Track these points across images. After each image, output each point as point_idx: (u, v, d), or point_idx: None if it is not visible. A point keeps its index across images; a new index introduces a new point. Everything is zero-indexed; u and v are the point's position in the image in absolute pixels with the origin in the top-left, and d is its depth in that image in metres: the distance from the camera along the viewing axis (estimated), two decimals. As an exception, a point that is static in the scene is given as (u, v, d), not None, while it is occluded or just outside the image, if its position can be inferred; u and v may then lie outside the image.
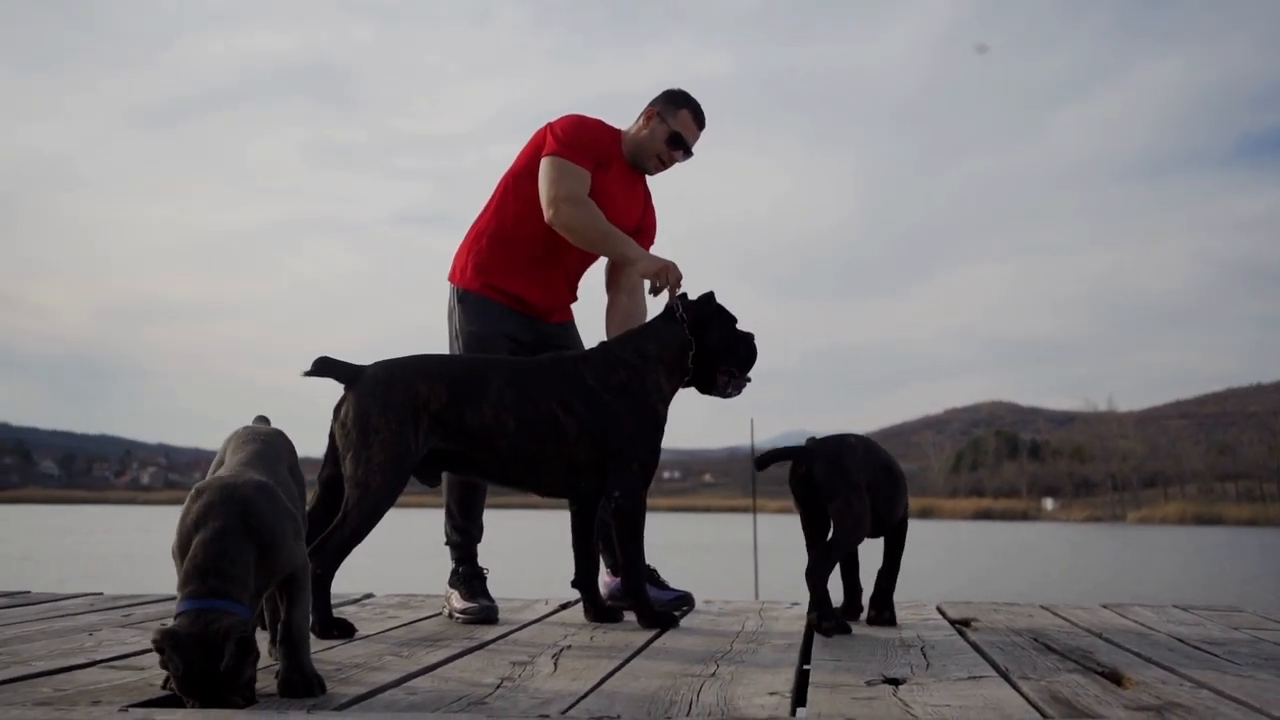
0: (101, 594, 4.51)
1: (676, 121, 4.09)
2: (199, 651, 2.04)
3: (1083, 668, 2.72)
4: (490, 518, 4.04)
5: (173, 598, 4.32)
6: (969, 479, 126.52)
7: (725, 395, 3.82)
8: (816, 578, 3.43)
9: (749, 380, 3.84)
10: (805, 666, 2.78)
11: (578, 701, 2.23)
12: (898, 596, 3.77)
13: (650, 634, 3.34)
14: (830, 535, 3.52)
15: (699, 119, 4.14)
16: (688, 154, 4.15)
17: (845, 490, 3.50)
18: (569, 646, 3.07)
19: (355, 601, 4.26)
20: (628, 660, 2.80)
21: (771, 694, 2.33)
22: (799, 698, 2.34)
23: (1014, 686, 2.44)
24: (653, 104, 4.12)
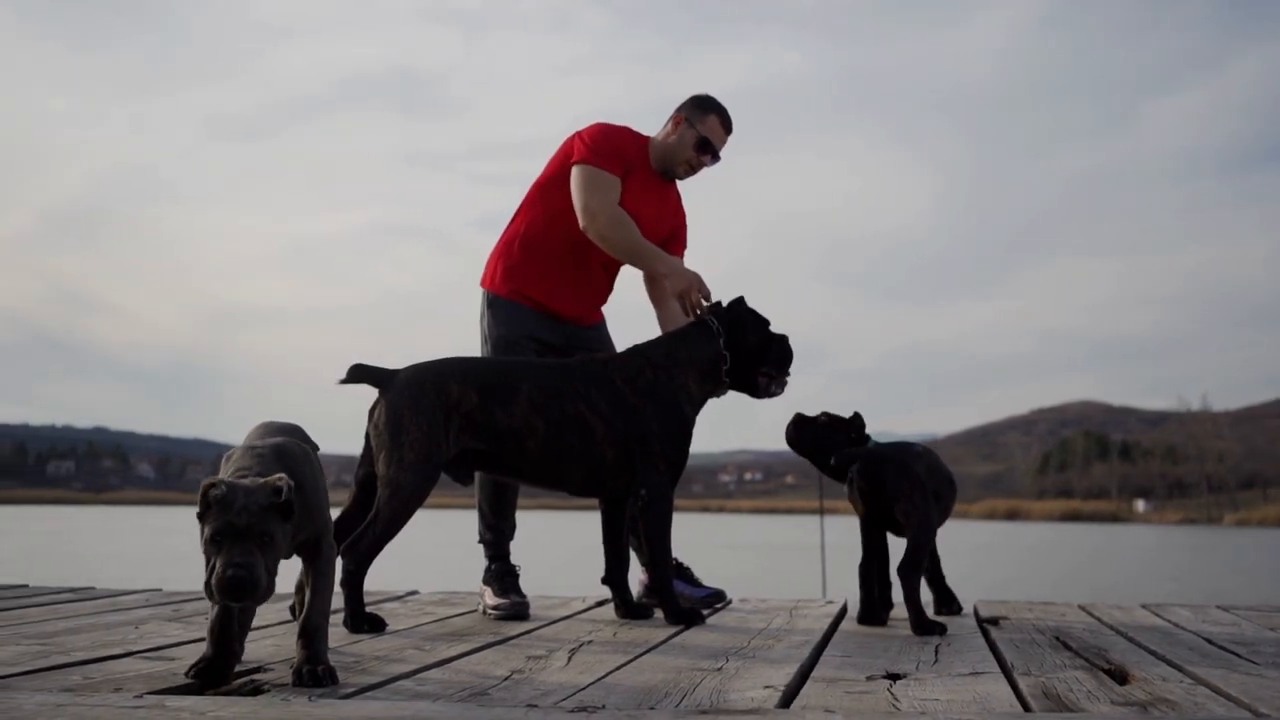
0: (160, 590, 4.69)
1: (705, 127, 4.14)
2: (247, 493, 2.17)
3: (1090, 664, 2.72)
4: (539, 518, 4.14)
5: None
6: (1057, 480, 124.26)
7: (769, 395, 3.86)
8: (911, 575, 3.42)
9: (788, 378, 3.89)
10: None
11: (575, 693, 2.30)
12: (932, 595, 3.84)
13: (673, 630, 3.40)
14: (909, 536, 3.50)
15: (726, 124, 4.18)
16: (716, 159, 4.20)
17: (912, 491, 3.52)
18: (589, 642, 3.14)
19: (398, 598, 4.38)
20: (640, 655, 2.86)
21: (766, 687, 2.38)
22: (796, 692, 2.38)
23: (1011, 682, 2.46)
24: (680, 109, 4.17)
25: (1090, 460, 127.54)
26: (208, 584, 2.17)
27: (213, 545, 2.18)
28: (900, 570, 3.45)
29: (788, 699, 2.27)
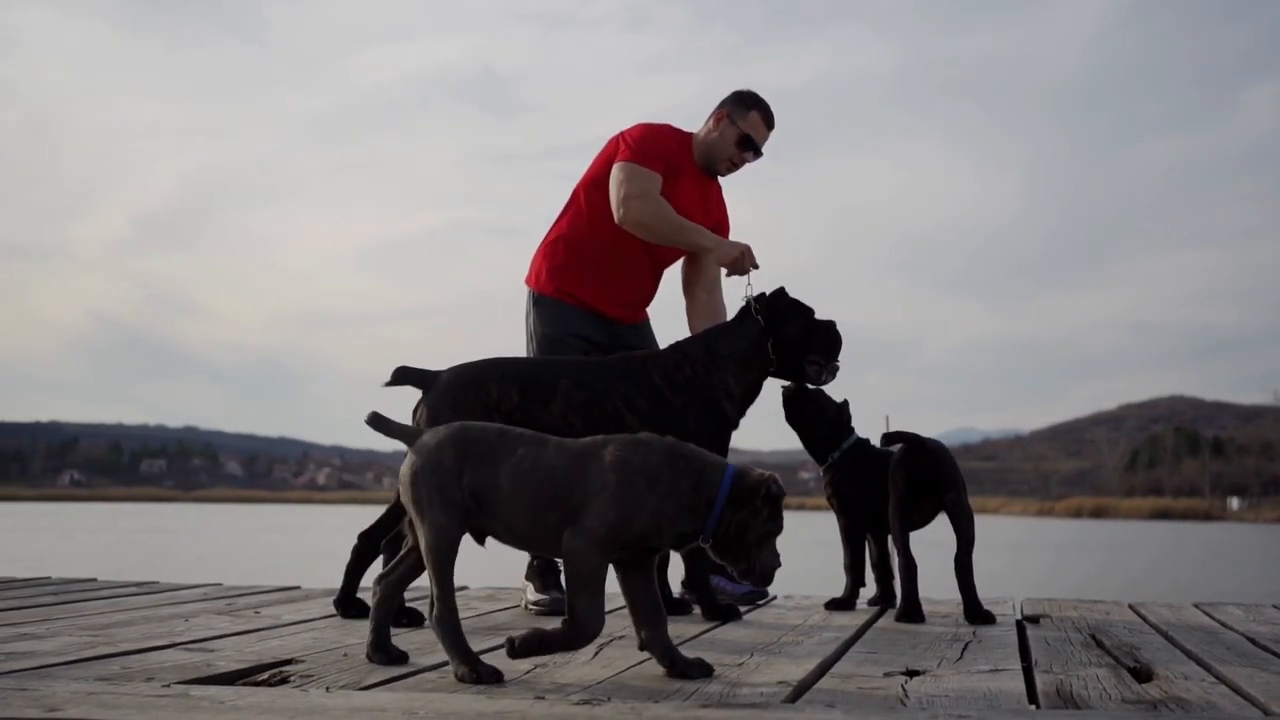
0: (220, 585, 4.82)
1: (746, 123, 4.14)
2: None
3: (1117, 663, 2.69)
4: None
5: (282, 589, 4.60)
6: (1146, 477, 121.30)
7: (820, 383, 3.87)
8: (968, 574, 3.61)
9: (838, 366, 3.88)
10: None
11: (589, 687, 2.34)
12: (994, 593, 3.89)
13: (707, 625, 3.43)
14: (961, 528, 3.64)
15: (768, 119, 4.19)
16: (758, 155, 4.20)
17: (962, 484, 3.67)
18: (621, 637, 3.17)
19: (446, 593, 4.44)
20: (666, 650, 2.88)
21: (780, 682, 2.40)
22: (809, 687, 2.39)
23: (1028, 679, 2.44)
24: (721, 105, 4.18)
25: (1181, 457, 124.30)
26: (761, 571, 2.44)
27: (766, 539, 2.43)
28: (963, 559, 3.58)
29: (797, 694, 2.28)
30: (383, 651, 2.63)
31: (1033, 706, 2.17)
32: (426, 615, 2.55)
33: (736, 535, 2.43)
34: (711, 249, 3.97)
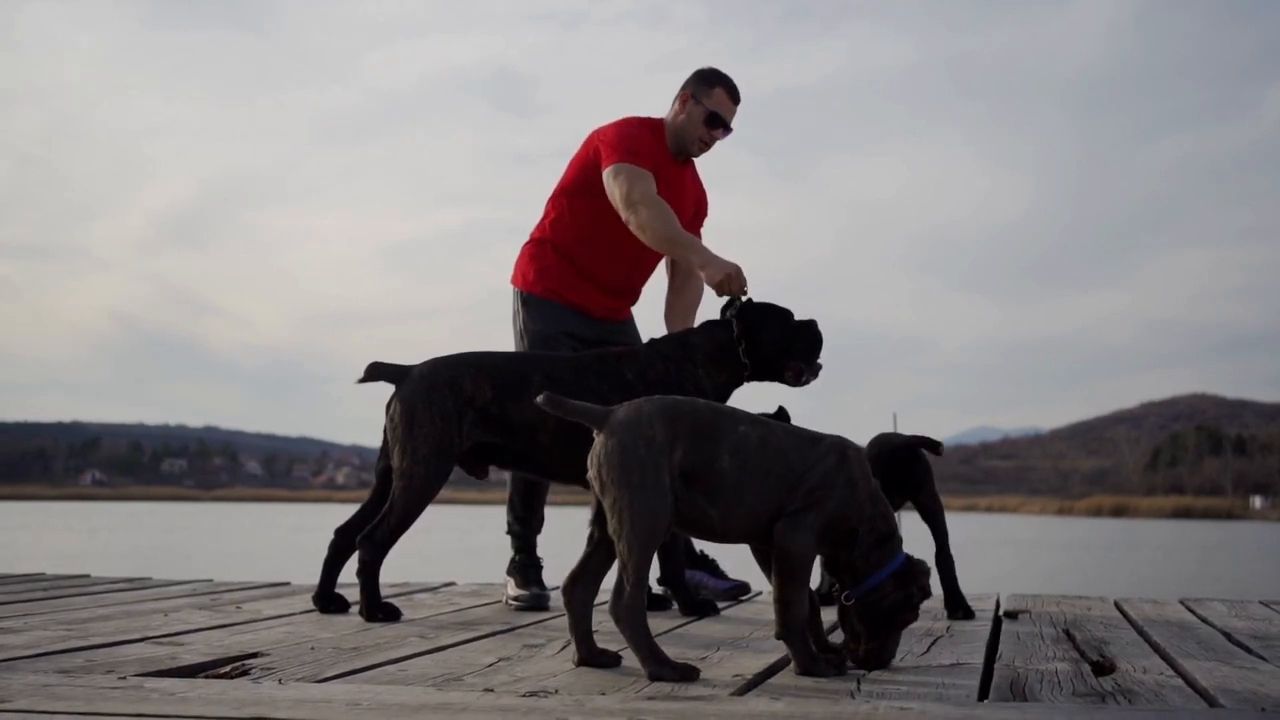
0: (211, 581, 4.85)
1: (711, 101, 4.13)
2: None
3: (1081, 657, 2.69)
4: (577, 514, 4.17)
5: (270, 585, 4.62)
6: (1167, 476, 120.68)
7: (799, 385, 3.84)
8: (949, 566, 3.64)
9: (820, 366, 3.85)
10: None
11: (546, 680, 2.34)
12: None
13: (682, 621, 3.43)
14: (936, 523, 3.67)
15: (733, 94, 4.17)
16: (727, 131, 4.19)
17: (929, 478, 3.69)
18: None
19: (431, 589, 4.47)
20: (633, 644, 2.88)
21: (736, 676, 2.40)
22: (763, 680, 2.39)
23: (985, 673, 2.44)
24: (685, 86, 4.17)
25: (1203, 455, 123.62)
26: (883, 659, 2.46)
27: (901, 627, 2.47)
28: (942, 552, 3.61)
29: (749, 687, 2.28)
30: (597, 655, 2.52)
31: (975, 699, 2.16)
32: (613, 604, 2.37)
33: (887, 612, 2.41)
34: (702, 267, 3.94)
